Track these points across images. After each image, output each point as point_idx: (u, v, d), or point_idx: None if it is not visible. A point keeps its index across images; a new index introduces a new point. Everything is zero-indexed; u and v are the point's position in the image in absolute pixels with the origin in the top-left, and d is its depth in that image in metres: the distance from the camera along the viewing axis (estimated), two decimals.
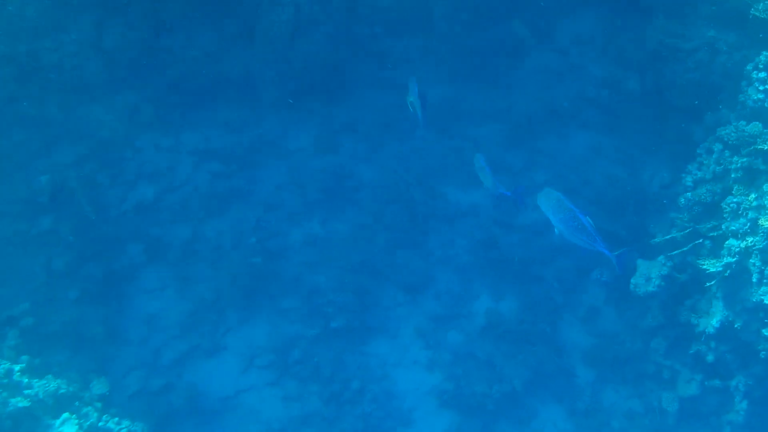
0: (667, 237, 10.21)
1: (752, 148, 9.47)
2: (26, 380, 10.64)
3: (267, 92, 12.53)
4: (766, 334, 9.65)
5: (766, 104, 9.56)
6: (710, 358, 10.32)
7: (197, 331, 12.10)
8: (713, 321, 10.01)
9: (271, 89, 12.50)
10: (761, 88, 9.56)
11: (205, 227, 12.45)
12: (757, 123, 9.55)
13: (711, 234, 9.88)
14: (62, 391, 10.72)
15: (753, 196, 9.47)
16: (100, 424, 10.49)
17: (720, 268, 9.68)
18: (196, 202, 12.49)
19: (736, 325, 9.84)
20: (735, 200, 9.56)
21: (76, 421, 10.34)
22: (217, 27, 12.36)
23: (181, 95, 12.58)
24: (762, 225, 9.32)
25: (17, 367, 10.67)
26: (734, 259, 9.55)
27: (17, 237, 11.94)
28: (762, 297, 9.46)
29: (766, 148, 9.33)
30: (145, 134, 12.57)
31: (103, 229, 12.25)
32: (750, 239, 9.44)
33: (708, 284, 9.84)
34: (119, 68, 12.33)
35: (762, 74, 9.55)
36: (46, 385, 10.68)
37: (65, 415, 10.50)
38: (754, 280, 9.49)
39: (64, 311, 11.78)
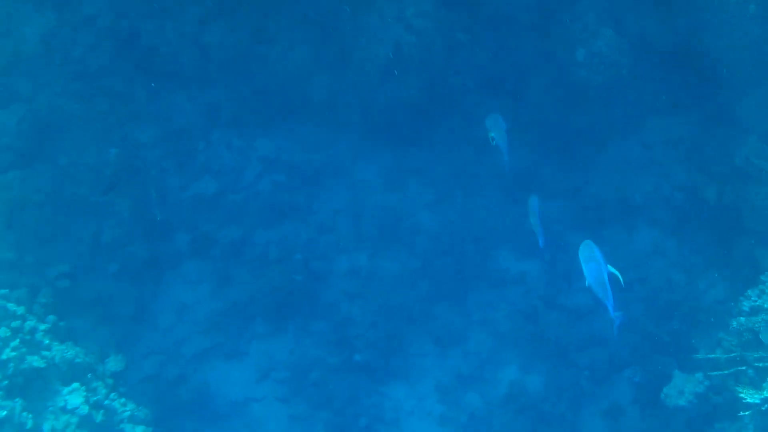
0: (711, 356, 10.03)
1: None
2: (47, 341, 10.78)
3: (348, 120, 12.59)
4: None
5: None
6: None
7: (223, 331, 12.20)
8: None
9: (353, 118, 12.56)
10: None
11: (255, 233, 12.55)
12: None
13: (756, 364, 9.69)
14: (78, 360, 10.85)
15: None
16: (106, 402, 10.56)
17: (758, 401, 9.48)
18: (253, 207, 12.58)
19: None
20: None
21: (84, 393, 10.41)
22: (316, 47, 12.53)
23: (264, 103, 12.73)
24: None
25: (42, 327, 10.81)
26: None
27: (75, 200, 12.13)
28: None
29: None
30: (220, 131, 12.70)
31: (159, 212, 12.38)
32: None
33: (742, 413, 9.63)
34: (212, 65, 12.55)
35: None
36: (65, 351, 10.82)
37: (75, 384, 10.59)
38: None
39: (100, 282, 11.99)
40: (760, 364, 9.65)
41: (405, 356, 12.13)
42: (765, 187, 10.58)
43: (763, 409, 9.45)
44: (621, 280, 8.47)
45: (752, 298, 9.97)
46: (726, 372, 9.88)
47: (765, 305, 9.82)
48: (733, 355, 9.88)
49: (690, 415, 10.51)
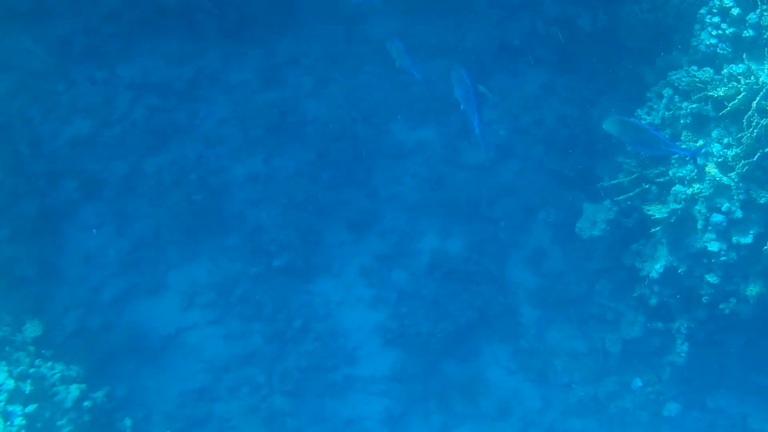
0: (614, 182, 10.18)
1: (702, 94, 9.40)
2: None
3: (207, 23, 12.09)
4: (708, 279, 9.75)
5: (718, 49, 9.46)
6: (653, 301, 10.44)
7: (137, 268, 12.05)
8: (657, 266, 10.10)
9: (212, 20, 12.05)
10: (714, 32, 9.44)
11: (143, 163, 12.20)
12: (709, 69, 9.46)
13: (658, 180, 9.87)
14: None
15: (701, 142, 9.47)
16: (32, 370, 10.25)
17: (665, 214, 9.71)
18: (133, 138, 12.16)
19: (679, 270, 9.93)
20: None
21: (6, 368, 10.07)
22: None
23: (116, 25, 12.08)
24: (708, 172, 9.34)
25: None
26: (680, 205, 9.58)
27: None
28: (706, 243, 9.53)
29: (716, 94, 9.26)
30: (78, 66, 12.08)
31: (36, 164, 11.89)
32: (696, 186, 9.47)
33: (653, 230, 9.88)
34: None
35: (716, 18, 9.41)
36: None
37: None
38: (699, 226, 9.55)
39: None
40: (662, 179, 9.84)
41: (323, 249, 12.14)
42: (636, 3, 10.48)
43: (672, 221, 9.68)
44: (489, 97, 9.41)
45: (642, 117, 10.05)
46: (631, 194, 10.03)
47: (656, 121, 9.90)
48: (634, 176, 10.02)
49: (606, 242, 10.78)
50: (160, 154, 12.20)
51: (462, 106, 8.97)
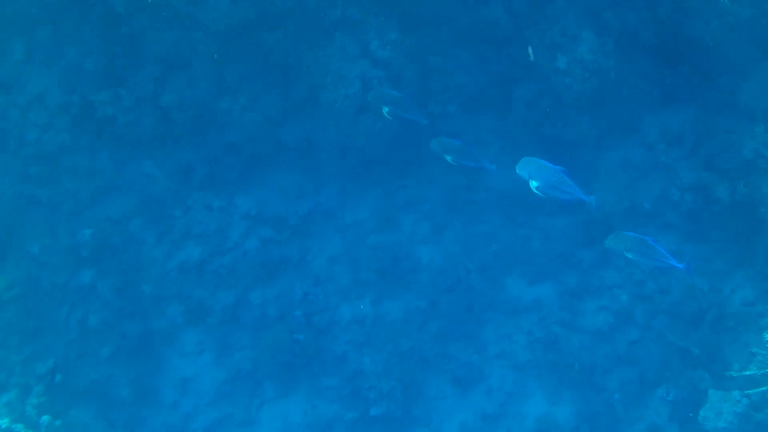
0: (747, 373, 9.63)
1: None
2: None
3: (327, 162, 12.20)
4: None
5: None
6: None
7: (231, 400, 11.94)
8: None
9: (333, 159, 12.16)
10: None
11: (250, 295, 12.25)
12: None
13: None
14: None
15: None
16: None
17: None
18: (243, 268, 12.27)
19: None
20: None
21: None
22: (282, 92, 12.12)
23: (238, 158, 12.36)
24: None
25: None
26: None
27: (55, 289, 11.85)
28: None
29: None
30: (196, 194, 12.33)
31: (145, 287, 12.08)
32: None
33: None
34: (175, 126, 12.17)
35: None
36: None
37: None
38: None
39: (94, 369, 11.75)
40: None
41: (424, 402, 11.82)
42: None
43: None
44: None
45: None
46: (764, 388, 9.46)
47: None
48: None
49: None
50: (268, 287, 12.24)
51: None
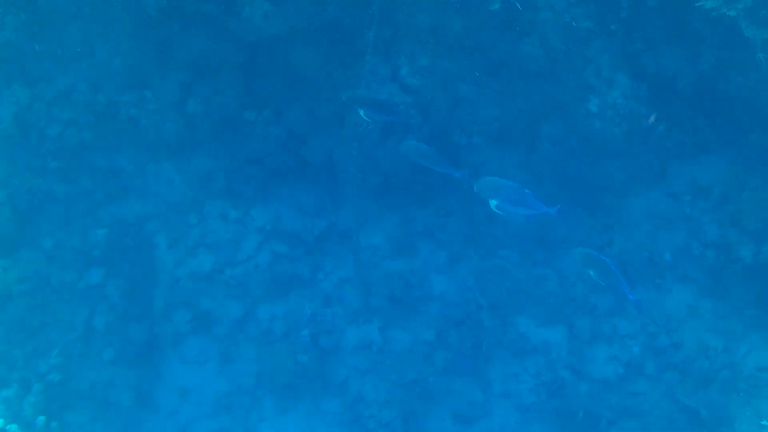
0: None
1: None
2: None
3: (348, 182, 12.14)
4: None
5: None
6: None
7: (230, 413, 11.90)
8: None
9: (353, 180, 12.10)
10: None
11: (258, 309, 12.19)
12: None
13: None
14: None
15: None
16: None
17: None
18: (254, 281, 12.20)
19: None
20: None
21: None
22: (308, 109, 12.08)
23: (258, 170, 12.31)
24: None
25: None
26: None
27: (63, 287, 11.85)
28: None
29: None
30: (214, 202, 12.31)
31: (153, 292, 12.07)
32: None
33: None
34: (198, 133, 12.17)
35: None
36: None
37: None
38: None
39: (96, 371, 11.71)
40: None
41: None
42: None
43: None
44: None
45: None
46: None
47: None
48: None
49: None
50: (277, 303, 12.20)
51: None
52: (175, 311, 12.14)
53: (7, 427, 10.52)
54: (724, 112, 11.41)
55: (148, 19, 11.58)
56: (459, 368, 11.82)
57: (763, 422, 9.49)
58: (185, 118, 12.13)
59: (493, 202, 9.62)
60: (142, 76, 12.04)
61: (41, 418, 10.88)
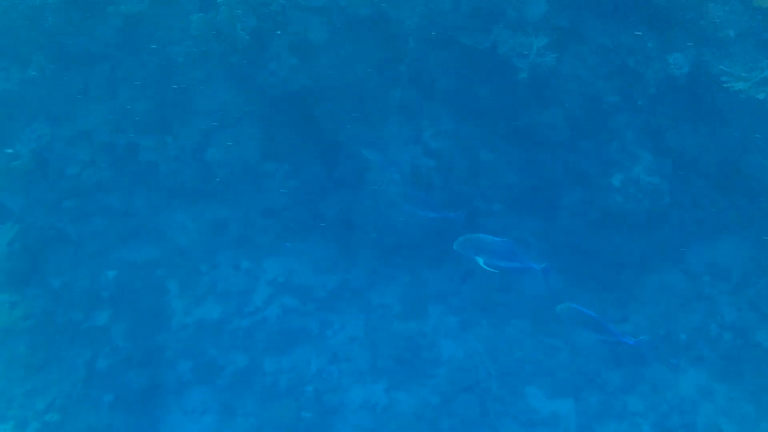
0: None
1: None
2: None
3: (363, 241, 12.09)
4: None
5: None
6: None
7: None
8: None
9: (368, 239, 12.05)
10: None
11: (264, 361, 12.04)
12: None
13: None
14: None
15: None
16: None
17: None
18: (261, 333, 12.10)
19: None
20: None
21: None
22: (328, 165, 12.08)
23: (274, 222, 12.29)
24: None
25: None
26: None
27: (68, 326, 11.75)
28: None
29: None
30: (226, 252, 12.24)
31: (158, 337, 11.96)
32: None
33: None
34: (217, 181, 12.14)
35: None
36: None
37: None
38: None
39: (94, 414, 11.53)
40: None
41: None
42: None
43: None
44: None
45: None
46: None
47: None
48: None
49: None
50: (283, 357, 12.07)
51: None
52: (179, 359, 12.01)
53: None
54: (747, 193, 11.35)
55: (173, 65, 11.60)
56: None
57: None
58: (204, 166, 12.12)
59: (480, 260, 9.45)
60: (164, 121, 12.04)
61: None
